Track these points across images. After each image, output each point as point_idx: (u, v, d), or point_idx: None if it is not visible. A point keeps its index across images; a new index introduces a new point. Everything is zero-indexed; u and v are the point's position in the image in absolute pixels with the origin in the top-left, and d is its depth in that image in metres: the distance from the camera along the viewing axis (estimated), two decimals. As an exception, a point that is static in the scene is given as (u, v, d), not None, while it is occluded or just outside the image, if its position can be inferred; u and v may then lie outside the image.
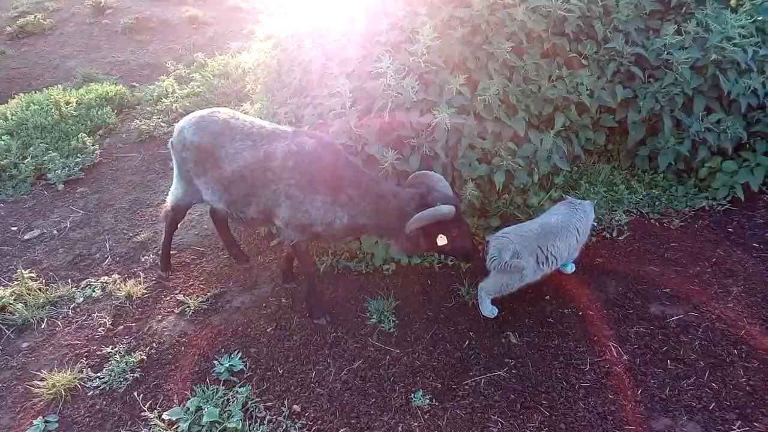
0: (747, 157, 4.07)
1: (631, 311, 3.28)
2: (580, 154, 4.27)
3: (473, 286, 3.44)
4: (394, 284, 3.64)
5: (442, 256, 3.73)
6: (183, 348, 3.28)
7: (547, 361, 3.03)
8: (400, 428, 2.73)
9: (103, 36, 9.23)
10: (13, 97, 6.68)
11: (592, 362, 3.00)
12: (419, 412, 2.80)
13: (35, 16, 9.49)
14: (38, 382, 3.04)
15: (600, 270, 3.61)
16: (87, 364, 3.21)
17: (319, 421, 2.79)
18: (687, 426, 2.62)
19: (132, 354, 3.23)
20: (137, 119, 6.24)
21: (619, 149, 4.48)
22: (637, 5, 4.16)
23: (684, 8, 4.29)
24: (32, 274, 3.91)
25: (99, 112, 6.28)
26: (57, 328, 3.50)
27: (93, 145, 5.68)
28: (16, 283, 3.80)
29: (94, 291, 3.77)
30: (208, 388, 2.93)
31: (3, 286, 3.82)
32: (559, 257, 3.22)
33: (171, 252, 3.95)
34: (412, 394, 2.88)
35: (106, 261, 4.13)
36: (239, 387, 2.95)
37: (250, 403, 2.86)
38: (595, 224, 3.76)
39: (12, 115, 6.07)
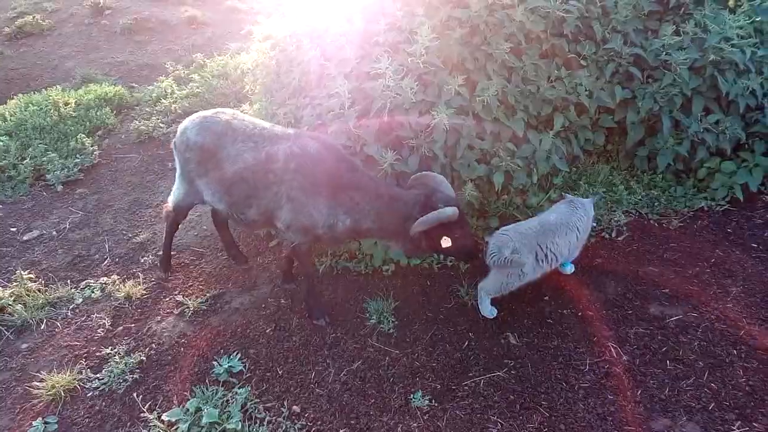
0: (746, 157, 4.08)
1: (630, 312, 3.29)
2: (579, 155, 4.28)
3: (472, 287, 3.44)
4: (394, 285, 3.64)
5: (441, 257, 3.72)
6: (182, 349, 3.27)
7: (547, 361, 3.03)
8: (399, 429, 2.73)
9: (101, 36, 9.23)
10: (12, 98, 6.68)
11: (591, 363, 3.00)
12: (419, 413, 2.80)
13: (34, 17, 9.49)
14: (37, 383, 3.04)
15: (599, 270, 3.61)
16: (86, 365, 3.20)
17: (319, 422, 2.79)
18: (686, 426, 2.62)
19: (131, 355, 3.23)
20: (136, 120, 6.24)
21: (618, 150, 4.49)
22: (635, 6, 4.16)
23: (682, 9, 4.29)
24: (31, 275, 3.91)
25: (98, 113, 6.27)
26: (56, 329, 3.50)
27: (92, 146, 5.67)
28: (15, 284, 3.80)
29: (93, 292, 3.77)
30: (207, 389, 2.93)
31: (2, 287, 3.82)
32: (559, 255, 3.21)
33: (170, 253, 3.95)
34: (412, 395, 2.88)
35: (105, 262, 4.13)
36: (238, 388, 2.95)
37: (249, 403, 2.86)
38: (595, 224, 3.76)
39: (11, 115, 6.07)
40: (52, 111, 6.13)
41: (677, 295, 3.36)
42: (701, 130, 4.04)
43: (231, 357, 3.14)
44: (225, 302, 3.62)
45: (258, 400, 2.90)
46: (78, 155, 5.52)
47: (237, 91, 6.46)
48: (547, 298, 3.43)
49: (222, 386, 2.97)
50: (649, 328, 3.17)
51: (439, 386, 2.94)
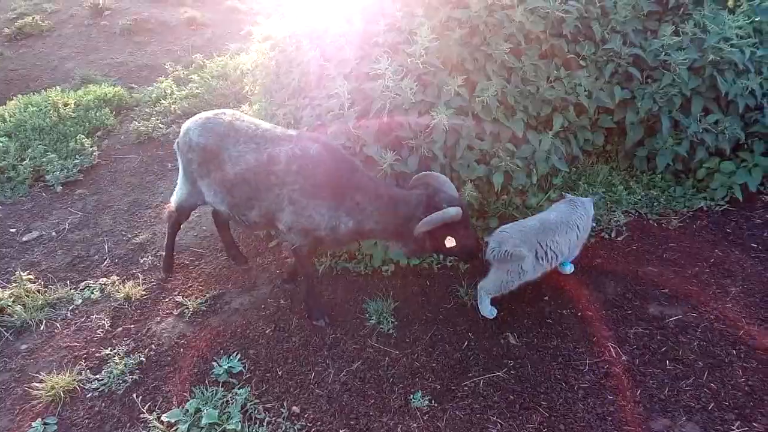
0: (745, 157, 4.08)
1: (629, 312, 3.29)
2: (579, 155, 4.28)
3: (472, 287, 3.44)
4: (393, 285, 3.64)
5: (441, 257, 3.73)
6: (182, 350, 3.27)
7: (546, 361, 3.03)
8: (399, 429, 2.73)
9: (101, 37, 9.23)
10: (12, 99, 6.68)
11: (591, 363, 3.00)
12: (418, 413, 2.80)
13: (33, 18, 9.49)
14: (37, 384, 3.04)
15: (599, 271, 3.61)
16: (86, 365, 3.20)
17: (319, 423, 2.79)
18: (686, 426, 2.62)
19: (131, 356, 3.23)
20: (136, 121, 6.23)
21: (618, 150, 4.49)
22: (634, 6, 4.17)
23: (682, 9, 4.30)
24: (31, 276, 3.91)
25: (97, 114, 6.27)
26: (56, 330, 3.50)
27: (91, 147, 5.67)
28: (14, 284, 3.80)
29: (92, 293, 3.77)
30: (207, 390, 2.93)
31: (1, 288, 3.81)
32: (559, 253, 3.21)
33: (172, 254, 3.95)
34: (411, 395, 2.88)
35: (105, 263, 4.13)
36: (238, 388, 2.95)
37: (249, 404, 2.86)
38: (594, 224, 3.76)
39: (10, 116, 6.06)
40: (51, 112, 6.13)
41: (677, 295, 3.37)
42: (700, 130, 4.04)
43: (231, 358, 3.14)
44: (224, 303, 3.62)
45: (258, 401, 2.90)
46: (77, 156, 5.52)
47: (236, 91, 6.46)
48: (546, 298, 3.43)
49: (222, 387, 2.97)
50: (649, 328, 3.17)
51: (439, 386, 2.94)
